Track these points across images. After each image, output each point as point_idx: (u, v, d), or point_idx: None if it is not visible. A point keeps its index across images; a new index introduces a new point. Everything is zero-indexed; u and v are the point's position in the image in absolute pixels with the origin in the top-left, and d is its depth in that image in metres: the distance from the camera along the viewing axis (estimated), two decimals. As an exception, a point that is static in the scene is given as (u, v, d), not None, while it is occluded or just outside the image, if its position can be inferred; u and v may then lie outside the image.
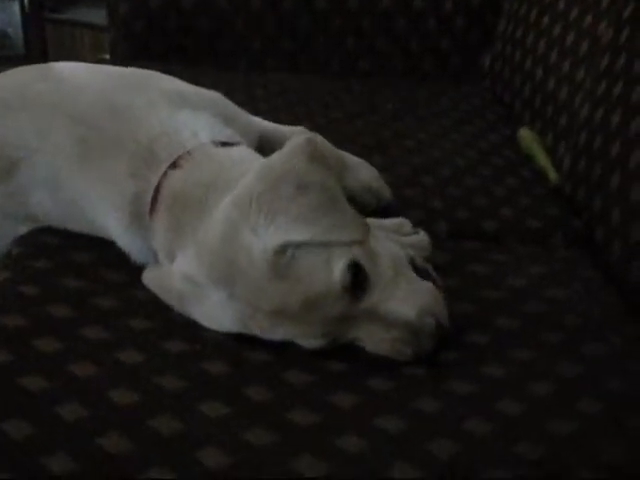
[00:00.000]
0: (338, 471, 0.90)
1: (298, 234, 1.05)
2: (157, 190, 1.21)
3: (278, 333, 1.08)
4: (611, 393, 1.06)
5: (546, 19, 1.92)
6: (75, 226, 1.34)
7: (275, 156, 1.13)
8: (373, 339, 1.09)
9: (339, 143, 1.46)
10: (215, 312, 1.11)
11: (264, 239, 1.05)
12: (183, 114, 1.29)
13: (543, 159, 1.74)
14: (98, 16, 3.74)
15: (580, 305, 1.27)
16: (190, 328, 1.13)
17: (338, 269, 1.06)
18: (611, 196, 1.47)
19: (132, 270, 1.25)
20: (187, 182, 1.19)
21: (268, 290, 1.05)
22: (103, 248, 1.31)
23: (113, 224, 1.26)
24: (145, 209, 1.22)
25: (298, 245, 1.05)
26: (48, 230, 1.36)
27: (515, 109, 2.03)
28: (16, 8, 4.06)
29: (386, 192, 1.47)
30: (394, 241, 1.22)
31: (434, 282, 1.15)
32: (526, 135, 1.83)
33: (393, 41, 2.30)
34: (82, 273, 1.25)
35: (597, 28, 1.68)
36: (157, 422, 0.95)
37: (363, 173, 1.46)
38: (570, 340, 1.17)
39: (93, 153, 1.27)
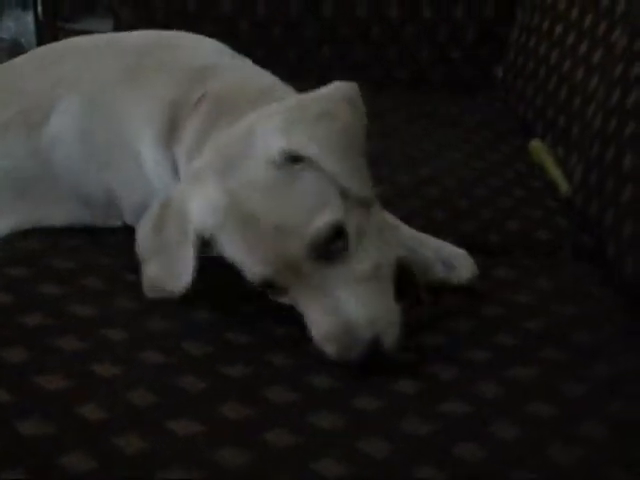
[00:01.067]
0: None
1: (309, 150, 1.04)
2: (203, 96, 1.23)
3: (236, 242, 1.06)
4: (616, 417, 0.99)
5: (559, 28, 1.86)
6: (94, 179, 1.31)
7: (314, 91, 1.14)
8: (311, 312, 1.04)
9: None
10: (204, 204, 1.09)
11: (274, 140, 1.05)
12: (232, 58, 1.35)
13: (554, 171, 1.68)
14: (112, 26, 3.71)
15: (588, 323, 1.20)
16: (168, 339, 1.08)
17: (323, 220, 1.02)
18: (623, 209, 1.40)
19: (113, 278, 1.20)
20: (232, 90, 1.22)
21: (254, 194, 1.04)
22: (85, 255, 1.27)
23: (144, 136, 1.26)
24: (181, 118, 1.23)
25: (305, 168, 1.04)
26: (29, 234, 1.32)
27: (527, 120, 1.96)
28: (30, 18, 4.03)
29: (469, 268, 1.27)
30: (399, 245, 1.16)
31: (418, 297, 1.10)
32: (537, 146, 1.77)
33: (403, 50, 2.24)
34: (61, 280, 1.19)
35: (611, 36, 1.61)
36: (123, 440, 0.88)
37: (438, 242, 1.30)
38: (575, 360, 1.10)
39: (139, 77, 1.30)
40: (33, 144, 1.31)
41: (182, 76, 1.27)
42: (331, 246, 1.03)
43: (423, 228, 1.34)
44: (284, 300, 1.09)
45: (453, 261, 1.26)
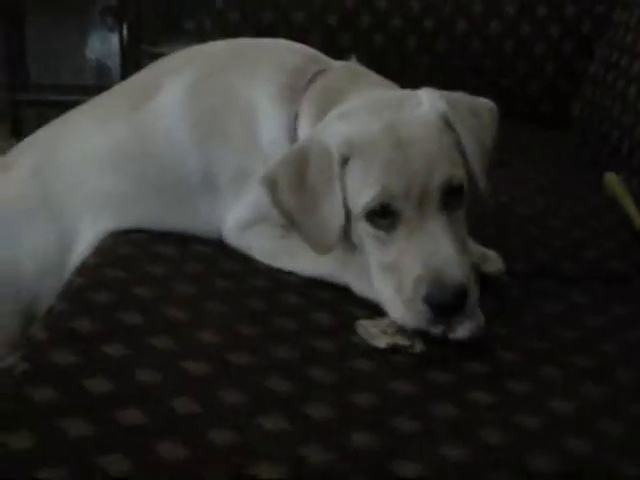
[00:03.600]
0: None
1: (462, 132, 1.22)
2: (322, 70, 1.37)
3: (381, 159, 1.16)
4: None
5: (637, 65, 1.89)
6: (194, 153, 1.40)
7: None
8: (410, 251, 1.14)
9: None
10: (353, 128, 1.19)
11: (440, 104, 1.22)
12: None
13: (628, 204, 1.70)
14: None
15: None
16: (181, 328, 1.14)
17: (460, 172, 1.19)
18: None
19: (163, 286, 1.26)
20: (348, 71, 1.39)
21: (411, 124, 1.19)
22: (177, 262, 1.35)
23: (262, 96, 1.37)
24: (301, 83, 1.36)
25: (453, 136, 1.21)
26: (126, 241, 1.40)
27: (602, 155, 1.99)
28: (115, 40, 4.16)
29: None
30: None
31: None
32: (612, 179, 1.79)
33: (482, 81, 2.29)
34: (154, 283, 1.27)
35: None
36: (124, 412, 0.94)
37: None
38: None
39: (250, 54, 1.46)
40: (134, 121, 1.43)
41: (297, 55, 1.42)
42: (453, 196, 1.17)
43: (499, 254, 1.39)
44: (374, 242, 1.18)
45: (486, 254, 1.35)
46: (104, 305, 1.18)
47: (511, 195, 1.74)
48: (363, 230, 1.19)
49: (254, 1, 2.29)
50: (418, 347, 1.14)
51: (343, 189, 1.19)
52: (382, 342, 1.14)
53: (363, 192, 1.17)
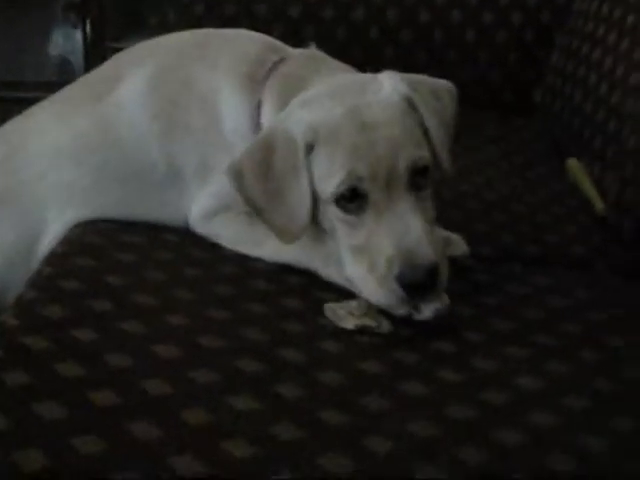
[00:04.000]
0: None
1: (426, 114, 1.24)
2: (283, 58, 1.39)
3: (346, 143, 1.18)
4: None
5: (597, 52, 1.91)
6: (156, 145, 1.41)
7: None
8: (381, 233, 1.16)
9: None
10: (316, 114, 1.21)
11: (401, 87, 1.24)
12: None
13: (589, 189, 1.73)
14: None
15: (621, 327, 1.26)
16: (152, 314, 1.16)
17: (425, 153, 1.21)
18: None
19: (132, 273, 1.28)
20: (309, 58, 1.41)
21: (375, 107, 1.20)
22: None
23: (224, 86, 1.38)
24: (262, 72, 1.37)
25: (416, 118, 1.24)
26: (94, 230, 1.40)
27: (564, 141, 2.02)
28: (78, 36, 4.14)
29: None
30: None
31: None
32: (573, 165, 1.82)
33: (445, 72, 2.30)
34: (124, 271, 1.27)
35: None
36: (97, 395, 0.95)
37: None
38: (610, 360, 1.16)
39: (211, 44, 1.46)
40: (96, 113, 1.44)
41: (258, 44, 1.43)
42: (419, 177, 1.19)
43: (464, 238, 1.41)
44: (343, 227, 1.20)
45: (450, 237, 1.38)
46: (74, 292, 1.19)
47: (476, 181, 1.77)
48: (333, 214, 1.21)
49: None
50: (385, 328, 1.16)
51: (309, 176, 1.21)
52: (350, 323, 1.16)
53: (330, 178, 1.19)
